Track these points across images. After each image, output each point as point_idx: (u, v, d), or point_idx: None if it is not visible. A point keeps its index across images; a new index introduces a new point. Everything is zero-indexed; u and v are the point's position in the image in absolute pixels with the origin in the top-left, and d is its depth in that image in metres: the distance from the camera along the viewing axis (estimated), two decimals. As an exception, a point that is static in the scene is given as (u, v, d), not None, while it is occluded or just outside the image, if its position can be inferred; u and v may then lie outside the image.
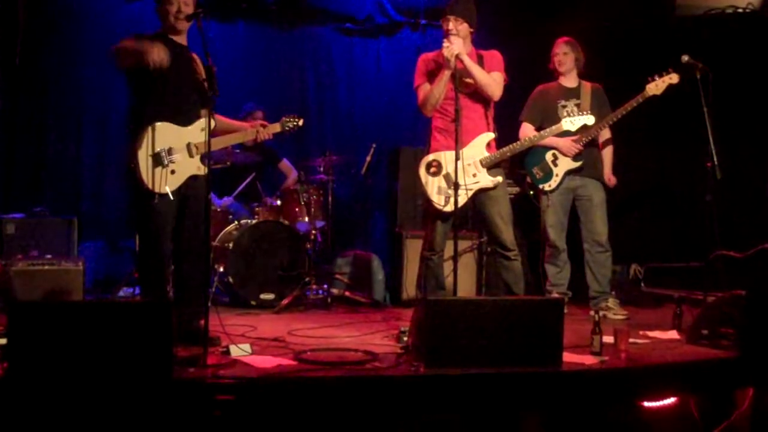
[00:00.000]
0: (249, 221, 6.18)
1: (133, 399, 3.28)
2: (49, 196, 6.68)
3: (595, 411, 3.85)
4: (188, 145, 4.29)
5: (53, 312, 3.34)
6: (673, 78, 5.34)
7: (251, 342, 4.17)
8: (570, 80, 5.75)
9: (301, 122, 4.81)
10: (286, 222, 6.25)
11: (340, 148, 7.15)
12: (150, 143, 4.17)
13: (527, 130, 5.66)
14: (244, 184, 6.58)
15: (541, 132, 5.23)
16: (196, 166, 4.31)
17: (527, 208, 6.14)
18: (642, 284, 6.54)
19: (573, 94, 5.70)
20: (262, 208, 6.44)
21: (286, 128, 4.81)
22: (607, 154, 5.79)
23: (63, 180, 6.84)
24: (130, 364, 3.30)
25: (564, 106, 5.64)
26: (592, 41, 6.68)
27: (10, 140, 6.64)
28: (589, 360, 3.93)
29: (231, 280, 5.91)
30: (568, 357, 3.82)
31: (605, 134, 5.73)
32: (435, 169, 4.76)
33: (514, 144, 4.96)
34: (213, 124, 4.23)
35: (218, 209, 6.33)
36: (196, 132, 4.31)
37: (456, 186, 4.35)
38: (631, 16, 7.09)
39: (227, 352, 3.87)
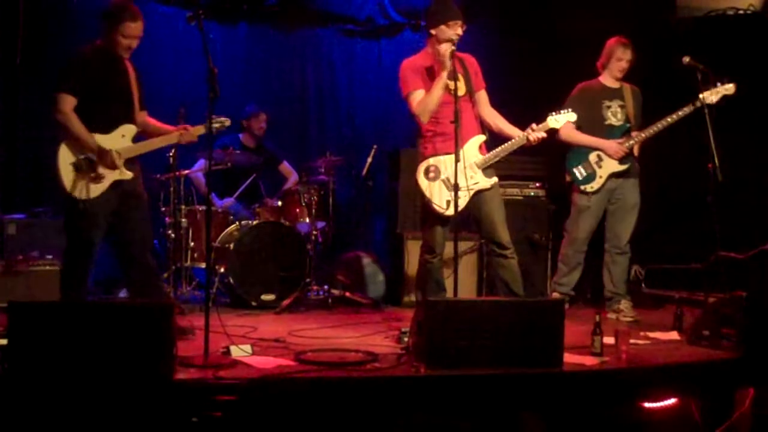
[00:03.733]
0: (250, 222, 6.18)
1: (133, 400, 3.28)
2: (50, 196, 6.65)
3: (595, 412, 3.85)
4: (112, 152, 4.42)
5: (53, 312, 3.35)
6: (729, 89, 5.22)
7: (252, 343, 4.17)
8: (612, 80, 5.64)
9: (228, 122, 4.83)
10: (287, 223, 6.25)
11: (340, 149, 7.15)
12: (71, 152, 4.39)
13: (567, 129, 5.55)
14: (245, 185, 6.58)
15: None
16: (118, 172, 4.46)
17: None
18: (643, 285, 6.54)
19: (617, 94, 5.61)
20: (263, 209, 6.44)
21: (212, 129, 4.75)
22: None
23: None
24: (131, 364, 3.31)
25: (608, 107, 5.57)
26: (592, 42, 6.67)
27: (11, 140, 6.63)
28: (589, 361, 3.93)
29: (232, 280, 5.91)
30: (568, 358, 3.82)
31: (636, 149, 5.60)
32: (433, 174, 4.76)
33: (506, 144, 4.83)
34: (135, 130, 4.53)
35: (219, 210, 6.33)
36: (117, 138, 4.49)
37: (456, 187, 4.35)
38: (632, 17, 7.09)
39: (228, 353, 3.87)
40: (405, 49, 7.77)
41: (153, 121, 4.77)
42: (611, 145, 5.50)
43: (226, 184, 6.63)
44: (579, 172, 5.61)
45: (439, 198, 4.74)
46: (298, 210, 6.38)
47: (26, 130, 6.71)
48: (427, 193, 4.75)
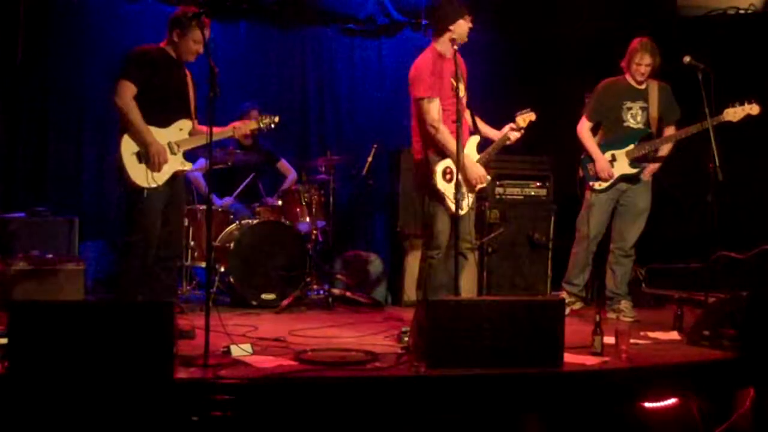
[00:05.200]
0: (250, 221, 6.18)
1: (133, 399, 3.28)
2: (50, 195, 6.67)
3: (596, 412, 3.85)
4: (169, 144, 4.61)
5: (53, 312, 3.35)
6: (754, 109, 5.18)
7: (252, 342, 4.17)
8: (636, 81, 5.53)
9: (277, 119, 5.17)
10: (287, 222, 6.25)
11: (341, 149, 7.15)
12: (134, 142, 4.51)
13: (583, 128, 5.59)
14: (244, 184, 6.58)
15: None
16: (179, 162, 4.66)
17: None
18: (643, 285, 6.54)
19: (641, 95, 5.52)
20: (263, 208, 6.44)
21: (262, 124, 5.17)
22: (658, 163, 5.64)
23: (64, 180, 6.83)
24: (131, 364, 3.31)
25: (629, 108, 5.50)
26: (593, 42, 6.68)
27: (11, 140, 6.63)
28: (590, 361, 3.93)
29: (232, 280, 5.91)
30: (569, 357, 3.82)
31: (665, 148, 5.58)
32: (450, 175, 4.77)
33: (494, 144, 4.94)
34: (191, 125, 4.72)
35: (219, 209, 6.33)
36: (175, 131, 4.68)
37: (458, 186, 4.40)
38: (632, 16, 7.09)
39: (228, 353, 3.87)
40: (405, 48, 7.79)
41: (204, 128, 4.76)
42: (602, 166, 5.49)
43: (224, 183, 6.62)
44: (591, 168, 5.58)
45: (453, 200, 4.74)
46: (298, 209, 6.38)
47: (27, 130, 6.72)
48: (449, 195, 4.73)
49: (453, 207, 4.71)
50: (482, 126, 4.99)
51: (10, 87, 6.55)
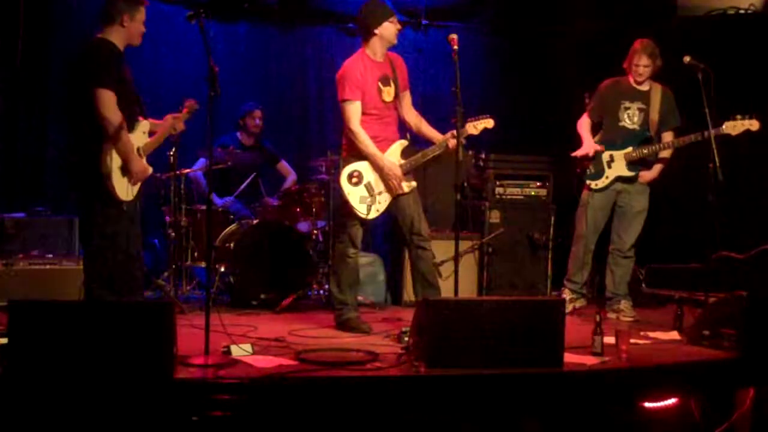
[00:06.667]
0: (250, 221, 6.18)
1: (133, 399, 3.28)
2: (50, 195, 6.66)
3: (595, 411, 3.85)
4: (137, 149, 4.38)
5: (53, 312, 3.35)
6: (753, 125, 5.22)
7: (252, 342, 4.17)
8: (637, 82, 5.55)
9: (196, 106, 4.72)
10: (288, 222, 6.25)
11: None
12: (115, 154, 4.24)
13: (581, 121, 5.63)
14: (244, 184, 6.58)
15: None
16: (149, 169, 4.45)
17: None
18: (643, 285, 6.53)
19: (641, 96, 5.53)
20: (263, 208, 6.44)
21: (191, 112, 4.74)
22: (657, 167, 5.64)
23: (64, 179, 6.79)
24: (131, 364, 3.31)
25: (627, 108, 5.52)
26: (593, 42, 6.67)
27: (10, 139, 6.62)
28: (590, 360, 3.93)
29: (232, 279, 5.91)
30: (569, 357, 3.82)
31: (665, 153, 5.58)
32: (356, 179, 4.80)
33: (426, 150, 4.90)
34: (149, 126, 4.47)
35: (219, 209, 6.33)
36: (140, 136, 4.45)
37: (462, 189, 4.44)
38: (632, 16, 7.09)
39: (228, 352, 3.87)
40: (405, 48, 7.78)
41: (152, 120, 4.64)
42: (587, 146, 5.55)
43: (225, 183, 6.62)
44: (590, 167, 5.60)
45: (360, 203, 4.81)
46: (298, 209, 6.38)
47: (26, 130, 6.72)
48: (350, 199, 4.80)
49: (357, 210, 4.79)
50: (427, 130, 4.99)
51: (10, 88, 6.54)
